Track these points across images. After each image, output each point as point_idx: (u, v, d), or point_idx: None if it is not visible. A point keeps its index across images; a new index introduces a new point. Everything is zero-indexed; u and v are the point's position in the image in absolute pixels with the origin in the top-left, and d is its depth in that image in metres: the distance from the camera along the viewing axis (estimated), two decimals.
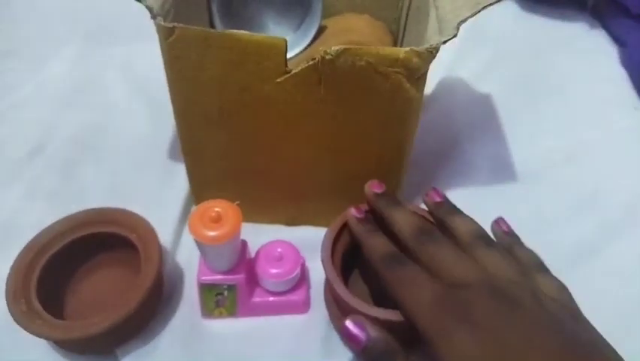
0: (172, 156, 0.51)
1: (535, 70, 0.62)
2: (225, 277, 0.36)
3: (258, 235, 0.41)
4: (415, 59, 0.31)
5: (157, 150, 0.52)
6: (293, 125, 0.36)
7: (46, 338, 0.35)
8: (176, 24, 0.31)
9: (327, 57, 0.31)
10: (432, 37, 0.33)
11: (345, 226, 0.37)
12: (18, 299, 0.34)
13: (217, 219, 0.33)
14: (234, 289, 0.37)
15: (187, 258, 0.43)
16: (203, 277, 0.36)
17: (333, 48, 0.30)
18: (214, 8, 0.46)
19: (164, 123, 0.53)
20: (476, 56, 0.63)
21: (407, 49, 0.30)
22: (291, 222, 0.44)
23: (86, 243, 0.39)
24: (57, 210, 0.45)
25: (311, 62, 0.31)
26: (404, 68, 0.31)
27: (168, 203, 0.46)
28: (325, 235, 0.37)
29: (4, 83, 0.60)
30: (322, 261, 0.35)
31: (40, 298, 0.35)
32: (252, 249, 0.39)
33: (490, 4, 0.30)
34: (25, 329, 0.33)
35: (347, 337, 0.29)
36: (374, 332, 0.29)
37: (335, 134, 0.36)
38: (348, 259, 0.38)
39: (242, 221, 0.34)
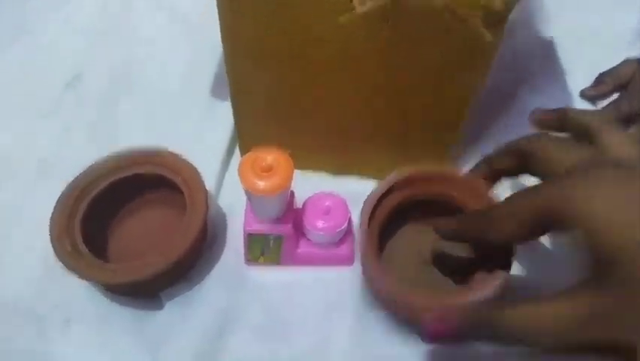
0: (215, 92, 0.49)
1: (603, 19, 0.56)
2: (272, 226, 0.35)
3: (303, 184, 0.40)
4: (499, 2, 0.27)
5: (199, 85, 0.49)
6: (350, 67, 0.33)
7: (92, 281, 0.35)
8: None
9: None
10: None
11: (393, 186, 0.35)
12: (63, 239, 0.34)
13: (268, 169, 0.32)
14: (281, 239, 0.36)
15: (230, 202, 0.42)
16: (251, 227, 0.35)
17: None
18: None
19: (206, 56, 0.51)
20: None
21: None
22: (338, 170, 0.43)
23: (129, 183, 0.38)
24: (95, 145, 0.45)
25: (380, 1, 0.28)
26: (485, 11, 0.28)
27: (211, 143, 0.45)
28: (366, 201, 0.35)
29: (36, 12, 0.57)
30: (360, 231, 0.34)
31: (84, 238, 0.35)
32: (297, 197, 0.38)
33: None
34: (71, 270, 0.33)
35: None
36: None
37: (395, 80, 0.33)
38: (396, 216, 0.36)
39: (293, 172, 0.32)
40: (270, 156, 0.32)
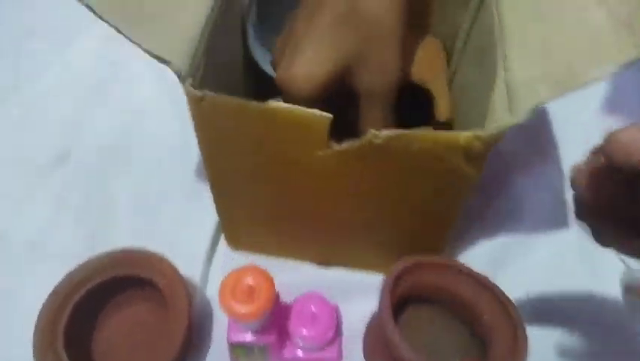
0: (202, 172, 0.48)
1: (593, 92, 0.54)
2: (257, 337, 0.35)
3: (290, 273, 0.40)
4: (477, 144, 0.27)
5: (187, 162, 0.49)
6: (332, 190, 0.33)
7: None
8: (207, 93, 0.27)
9: (376, 141, 0.27)
10: (497, 109, 0.28)
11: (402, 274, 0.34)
12: (45, 352, 0.34)
13: (250, 292, 0.31)
14: (265, 348, 0.36)
15: (216, 291, 0.42)
16: (233, 339, 0.35)
17: (383, 132, 0.26)
18: (250, 32, 0.41)
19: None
20: None
21: (468, 134, 0.26)
22: (324, 262, 0.42)
23: (111, 285, 0.38)
24: (82, 227, 0.45)
25: (357, 143, 0.28)
26: (465, 151, 0.27)
27: (197, 229, 0.44)
28: (383, 288, 0.33)
29: (26, 70, 0.56)
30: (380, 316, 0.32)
31: (67, 347, 0.35)
32: (282, 287, 0.36)
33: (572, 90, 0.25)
34: None
35: None
36: None
37: (376, 204, 0.33)
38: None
39: (275, 293, 0.32)
40: (251, 278, 0.32)
